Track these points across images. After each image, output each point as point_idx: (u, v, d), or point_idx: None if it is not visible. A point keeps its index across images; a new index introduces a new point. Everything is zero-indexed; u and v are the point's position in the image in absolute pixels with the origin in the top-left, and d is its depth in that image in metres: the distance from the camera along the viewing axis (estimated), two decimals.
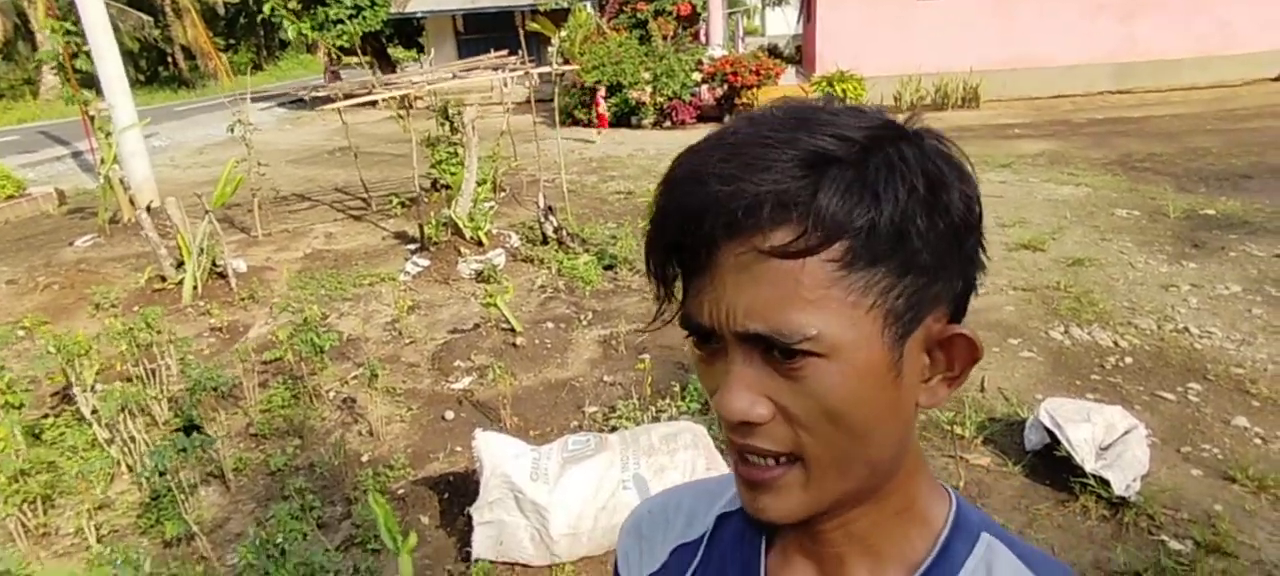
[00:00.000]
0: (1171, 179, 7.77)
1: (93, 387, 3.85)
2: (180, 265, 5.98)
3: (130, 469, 3.55)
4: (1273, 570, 2.69)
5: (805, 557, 0.61)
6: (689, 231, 0.50)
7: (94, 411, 3.69)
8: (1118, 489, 2.99)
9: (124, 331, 4.36)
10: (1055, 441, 3.19)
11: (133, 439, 3.60)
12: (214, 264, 6.06)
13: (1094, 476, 3.05)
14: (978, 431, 3.53)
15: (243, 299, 5.76)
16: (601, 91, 13.42)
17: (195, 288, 5.80)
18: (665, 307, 0.56)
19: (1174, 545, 2.84)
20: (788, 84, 14.12)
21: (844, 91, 12.08)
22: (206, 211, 5.91)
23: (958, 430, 3.49)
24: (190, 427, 3.71)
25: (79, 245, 7.61)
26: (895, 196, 0.48)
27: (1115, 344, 4.38)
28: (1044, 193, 7.53)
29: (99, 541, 3.09)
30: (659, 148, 11.52)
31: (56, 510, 3.33)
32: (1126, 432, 3.24)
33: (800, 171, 0.48)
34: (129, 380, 4.14)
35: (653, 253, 0.54)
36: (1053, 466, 3.20)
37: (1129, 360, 4.20)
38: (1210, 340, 4.35)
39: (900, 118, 0.54)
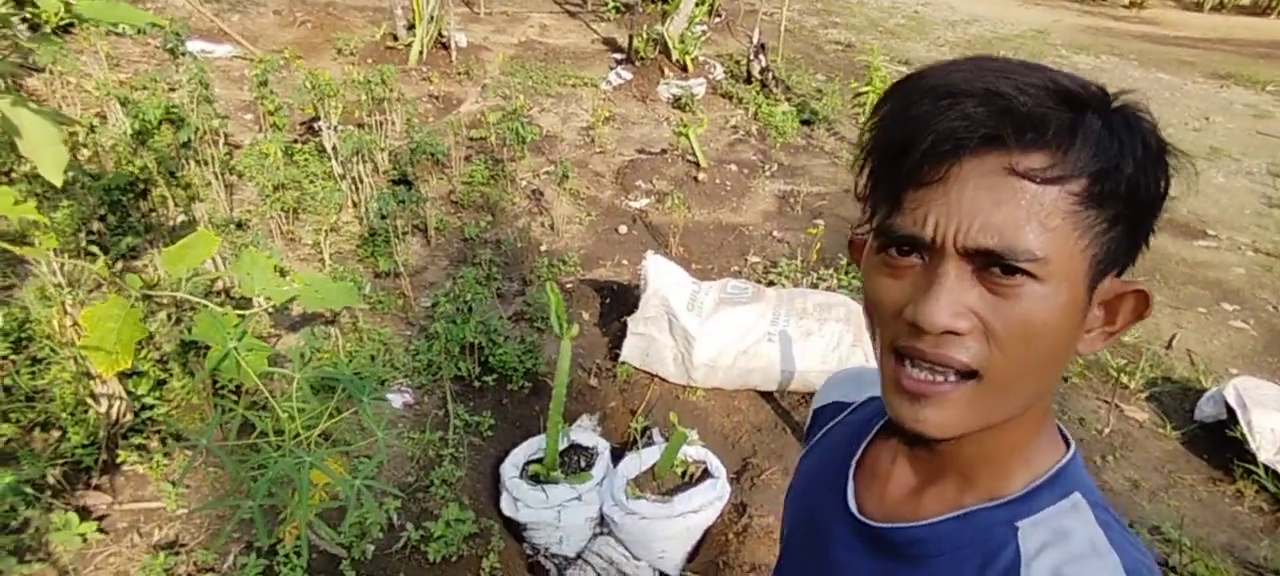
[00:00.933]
0: None
1: (335, 127, 4.45)
2: (411, 28, 6.49)
3: (355, 205, 4.16)
4: None
5: (906, 457, 0.67)
6: (939, 140, 0.51)
7: (334, 148, 4.30)
8: None
9: (364, 82, 4.93)
10: (1232, 420, 2.96)
11: (360, 180, 4.19)
12: (440, 33, 6.53)
13: (1265, 468, 2.83)
14: (1146, 385, 3.32)
15: (460, 73, 6.23)
16: None
17: (421, 53, 6.32)
18: (873, 214, 0.58)
19: None
20: None
21: None
22: None
23: (1124, 378, 3.30)
24: (405, 182, 4.25)
25: None
26: (1135, 151, 0.52)
27: None
28: None
29: (329, 259, 3.73)
30: (894, 1, 10.59)
31: (299, 222, 4.02)
32: None
33: (1055, 103, 0.51)
34: (361, 126, 4.73)
35: (884, 157, 0.56)
36: (1218, 444, 3.00)
37: None
38: None
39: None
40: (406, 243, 3.85)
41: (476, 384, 2.95)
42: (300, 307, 3.18)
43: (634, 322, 3.07)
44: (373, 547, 2.22)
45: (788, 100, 6.15)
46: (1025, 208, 0.50)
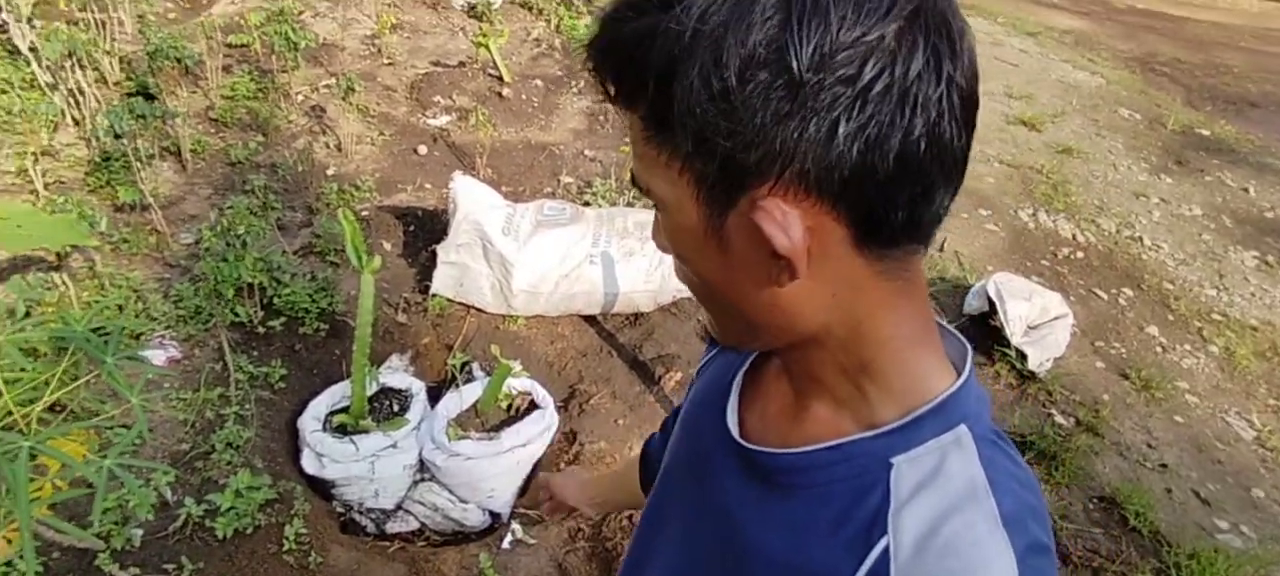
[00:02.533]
0: (1184, 90, 7.65)
1: (30, 21, 3.56)
2: None
3: (77, 122, 3.40)
4: (1124, 451, 3.06)
5: (780, 370, 0.62)
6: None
7: (32, 48, 3.44)
8: (1032, 364, 3.25)
9: None
10: (992, 310, 3.37)
11: (81, 91, 3.41)
12: None
13: (1016, 349, 3.28)
14: (928, 284, 3.69)
15: None
16: None
17: None
18: None
19: (1059, 419, 3.16)
20: None
21: None
22: None
23: None
24: (145, 95, 3.54)
25: None
26: (669, 53, 0.45)
27: (1073, 237, 4.51)
28: (1059, 73, 7.34)
29: (45, 189, 3.02)
30: None
31: None
32: (1057, 318, 3.44)
33: (626, 16, 0.47)
34: (73, 24, 3.85)
35: None
36: (982, 332, 3.41)
37: (1080, 255, 4.35)
38: (1156, 254, 4.53)
39: None
40: (154, 168, 3.22)
41: (261, 330, 2.55)
42: (3, 252, 2.55)
43: (444, 251, 2.82)
44: (141, 532, 1.86)
45: (590, 13, 5.93)
46: (632, 136, 0.52)
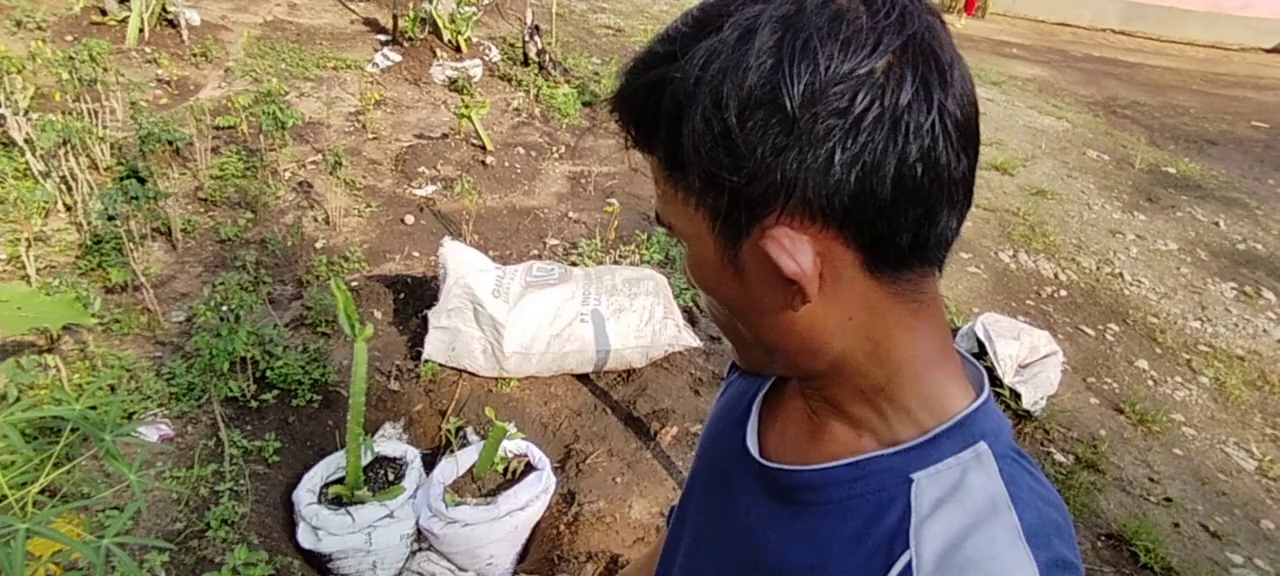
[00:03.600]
0: (1146, 131, 7.90)
1: (26, 113, 3.62)
2: (124, 1, 5.52)
3: (68, 207, 3.42)
4: (1127, 486, 3.06)
5: (799, 392, 0.64)
6: None
7: (28, 140, 3.49)
8: (1026, 403, 3.26)
9: (64, 60, 4.07)
10: (981, 352, 3.40)
11: (73, 177, 3.45)
12: (164, 9, 5.62)
13: (1009, 389, 3.30)
14: None
15: (195, 55, 5.40)
16: None
17: (141, 31, 5.39)
18: None
19: (1058, 457, 3.16)
20: None
21: None
22: None
23: None
24: (136, 178, 3.57)
25: None
26: (679, 100, 0.49)
27: (1055, 276, 4.59)
28: (1026, 119, 7.57)
29: (37, 273, 3.02)
30: None
31: None
32: (1047, 356, 3.47)
33: (640, 70, 0.52)
34: (67, 114, 3.91)
35: None
36: None
37: (1064, 293, 4.43)
38: (1138, 288, 4.61)
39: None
40: (145, 248, 3.23)
41: (254, 403, 2.53)
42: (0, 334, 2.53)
43: (435, 316, 2.83)
44: None
45: (567, 82, 6.09)
46: (653, 173, 0.56)
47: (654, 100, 0.51)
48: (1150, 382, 3.77)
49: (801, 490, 0.59)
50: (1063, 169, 6.35)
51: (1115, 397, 3.59)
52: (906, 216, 0.49)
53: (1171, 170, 6.74)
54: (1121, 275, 4.72)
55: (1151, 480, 3.13)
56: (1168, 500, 3.03)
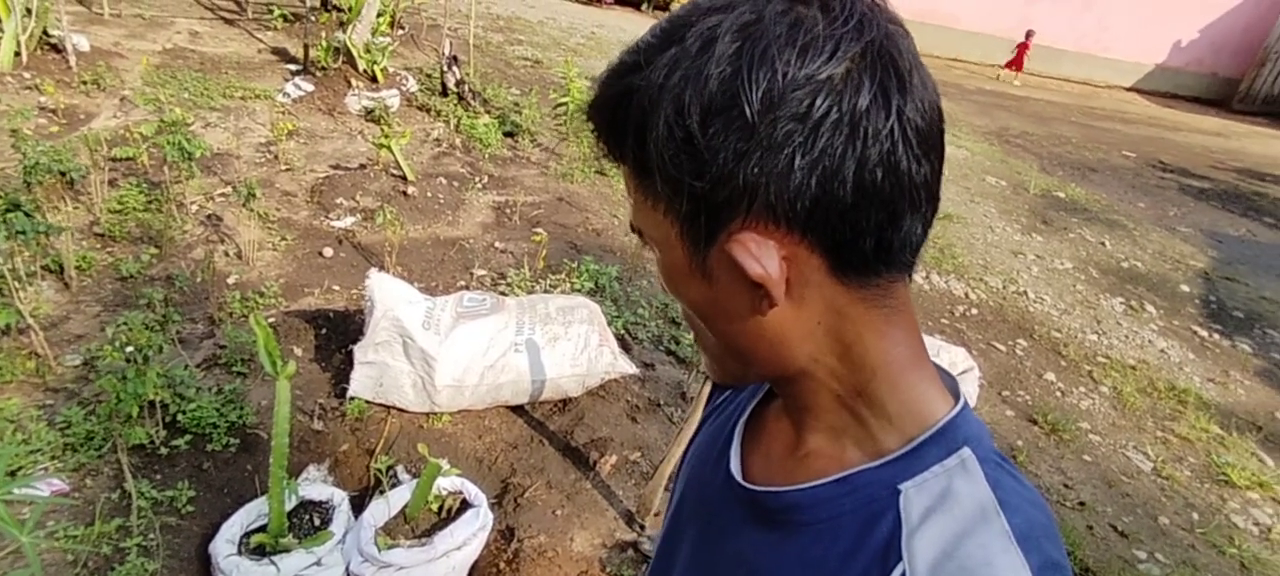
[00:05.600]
0: (1037, 159, 8.48)
1: None
2: None
3: None
4: (1045, 493, 3.22)
5: (782, 409, 0.63)
6: None
7: None
8: None
9: None
10: None
11: None
12: (46, 33, 5.25)
13: None
14: None
15: (85, 82, 5.06)
16: None
17: (17, 54, 5.01)
18: None
19: None
20: None
21: None
22: None
23: None
24: (19, 211, 3.28)
25: None
26: (643, 111, 0.50)
27: (966, 295, 4.83)
28: None
29: None
30: (571, 20, 11.07)
31: None
32: (964, 372, 3.63)
33: (609, 80, 0.53)
34: None
35: None
36: None
37: (975, 311, 4.66)
38: (1041, 305, 4.90)
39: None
40: (33, 288, 2.97)
41: (164, 450, 2.35)
42: None
43: (361, 351, 2.71)
44: None
45: (487, 112, 6.03)
46: (625, 181, 0.56)
47: (621, 109, 0.51)
48: (1058, 393, 3.99)
49: (789, 510, 0.58)
50: (965, 194, 6.72)
51: (1028, 409, 3.78)
52: (868, 220, 0.50)
53: (1061, 194, 7.25)
54: (1026, 293, 5.01)
55: (1066, 486, 3.30)
56: (1082, 504, 3.20)
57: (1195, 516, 3.27)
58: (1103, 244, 6.16)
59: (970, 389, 3.55)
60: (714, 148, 0.48)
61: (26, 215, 3.07)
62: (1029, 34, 13.55)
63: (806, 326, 0.54)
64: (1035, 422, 3.67)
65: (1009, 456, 3.20)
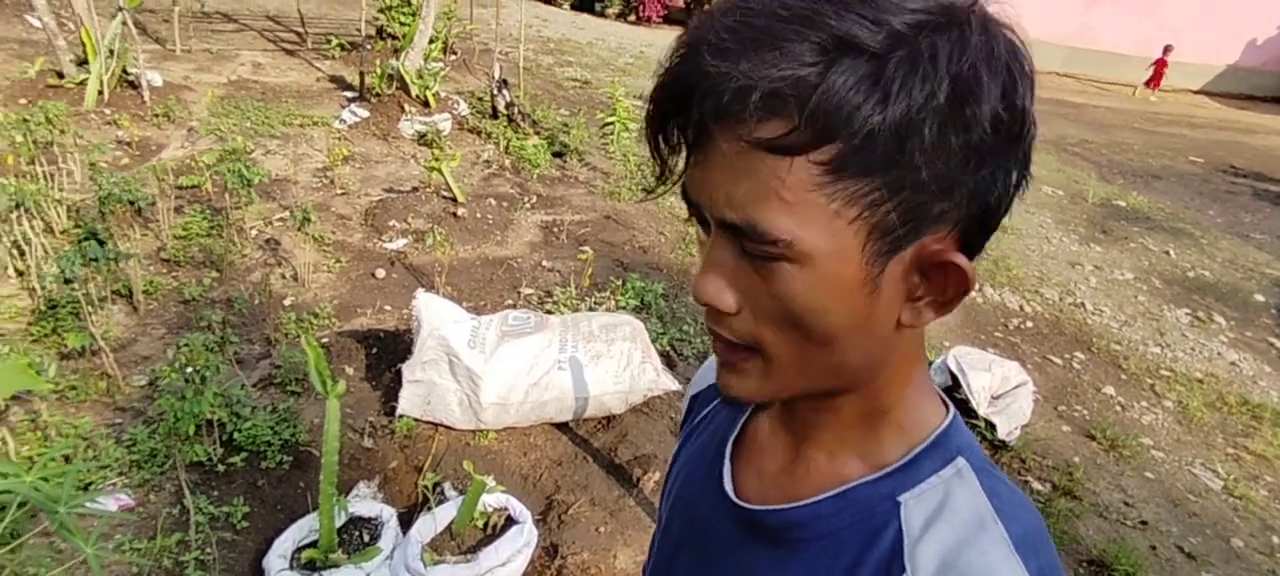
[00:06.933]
0: (1095, 167, 8.21)
1: None
2: (82, 64, 5.44)
3: (21, 273, 3.31)
4: (1104, 511, 3.09)
5: (779, 425, 0.62)
6: (681, 108, 0.47)
7: None
8: (1001, 433, 3.29)
9: (17, 122, 3.98)
10: (955, 385, 3.43)
11: (26, 242, 3.34)
12: (124, 71, 5.56)
13: (984, 420, 3.33)
14: None
15: (157, 115, 5.34)
16: None
17: (101, 93, 5.32)
18: (666, 176, 0.52)
19: (1036, 486, 3.18)
20: None
21: None
22: (119, 9, 5.37)
23: None
24: (95, 240, 3.48)
25: None
26: (908, 101, 0.43)
27: (1021, 308, 4.69)
28: None
29: None
30: (620, 40, 11.20)
31: None
32: (1018, 387, 3.52)
33: (812, 58, 0.43)
34: (20, 177, 3.81)
35: (649, 122, 0.51)
36: None
37: (1030, 324, 4.51)
38: (1100, 317, 4.72)
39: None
40: (105, 312, 3.14)
41: (221, 468, 2.44)
42: None
43: (410, 369, 2.77)
44: None
45: (536, 134, 6.14)
46: (767, 183, 0.45)
47: (856, 97, 0.43)
48: (1118, 408, 3.83)
49: (791, 528, 0.57)
50: (1020, 204, 6.46)
51: (1086, 424, 3.64)
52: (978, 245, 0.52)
53: (1122, 203, 6.99)
54: (1083, 305, 4.84)
55: (1126, 504, 3.16)
56: (1143, 523, 3.06)
57: (1275, 540, 3.09)
58: (1167, 253, 5.91)
59: (1025, 404, 3.44)
60: (970, 156, 0.46)
61: (100, 243, 3.25)
62: (1167, 49, 13.21)
63: (895, 342, 0.53)
64: (1093, 438, 3.53)
65: (1067, 473, 3.08)
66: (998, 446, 3.31)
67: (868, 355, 0.52)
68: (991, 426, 3.32)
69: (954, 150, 0.45)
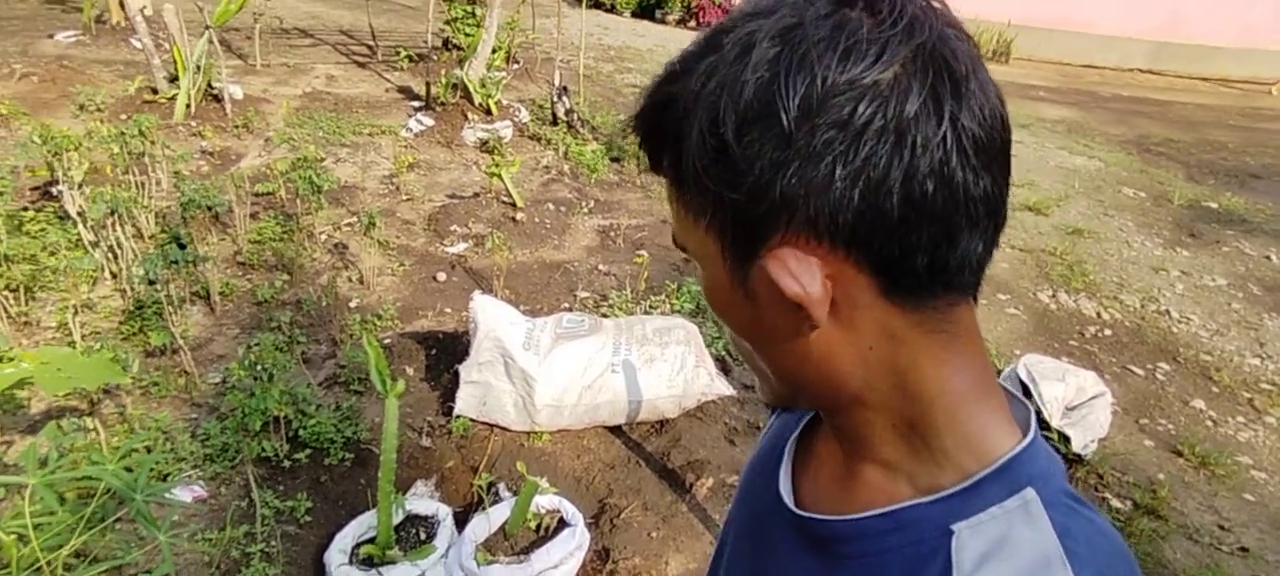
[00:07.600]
0: (1183, 167, 7.75)
1: (80, 187, 3.77)
2: (174, 80, 5.77)
3: (114, 275, 3.52)
4: (1194, 534, 2.88)
5: (830, 440, 0.61)
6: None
7: (80, 212, 3.63)
8: (1076, 446, 3.12)
9: (115, 135, 4.24)
10: (1026, 394, 3.28)
11: (119, 246, 3.56)
12: (210, 85, 5.87)
13: (1058, 432, 3.17)
14: None
15: (237, 126, 5.61)
16: None
17: (188, 106, 5.62)
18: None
19: (1115, 503, 3.00)
20: None
21: None
22: (206, 27, 5.67)
23: None
24: (178, 244, 3.68)
25: (60, 40, 7.30)
26: (678, 120, 0.48)
27: (1098, 315, 4.46)
28: (1057, 160, 7.48)
29: (82, 339, 3.09)
30: (680, 46, 11.17)
31: (37, 303, 3.31)
32: (1094, 397, 3.34)
33: (652, 89, 0.51)
34: (116, 186, 4.05)
35: None
36: None
37: (1108, 332, 4.28)
38: (1187, 326, 4.45)
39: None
40: (184, 312, 3.30)
41: (287, 463, 2.53)
42: (41, 398, 2.58)
43: (466, 371, 2.82)
44: None
45: (595, 139, 6.19)
46: (668, 192, 0.53)
47: (659, 118, 0.50)
48: (1209, 423, 3.59)
49: (836, 541, 0.55)
50: (1098, 207, 6.23)
51: (1172, 439, 3.43)
52: (920, 236, 0.46)
53: (1213, 205, 6.58)
54: (1168, 312, 4.57)
55: (1222, 527, 2.96)
56: (1243, 550, 2.85)
57: None
58: (1268, 258, 5.52)
59: (1102, 416, 3.26)
60: (750, 157, 0.45)
61: (181, 247, 3.43)
62: None
63: (857, 352, 0.50)
64: (1180, 454, 3.31)
65: (1150, 491, 2.89)
66: (1073, 460, 3.14)
67: (819, 366, 0.51)
68: (1066, 439, 3.15)
69: (716, 155, 0.47)
